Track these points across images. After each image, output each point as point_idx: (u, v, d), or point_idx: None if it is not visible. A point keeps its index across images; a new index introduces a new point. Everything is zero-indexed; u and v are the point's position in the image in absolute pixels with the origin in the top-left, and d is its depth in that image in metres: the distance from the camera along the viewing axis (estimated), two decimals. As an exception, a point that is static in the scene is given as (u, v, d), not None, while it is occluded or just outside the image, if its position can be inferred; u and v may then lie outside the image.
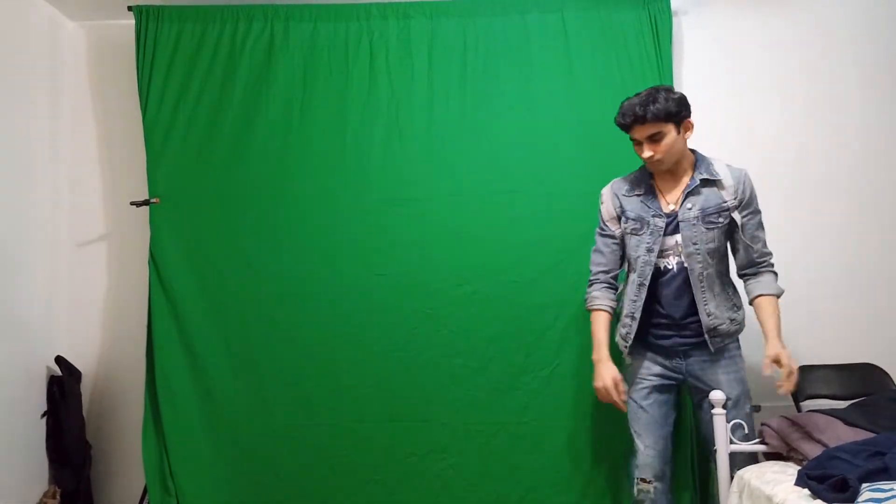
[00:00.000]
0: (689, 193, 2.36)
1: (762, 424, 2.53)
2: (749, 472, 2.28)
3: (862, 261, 3.13)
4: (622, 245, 2.49)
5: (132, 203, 3.03)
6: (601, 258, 2.52)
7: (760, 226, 2.41)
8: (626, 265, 2.54)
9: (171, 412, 2.94)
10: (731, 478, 2.33)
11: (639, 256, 2.41)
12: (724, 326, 2.37)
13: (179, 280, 2.99)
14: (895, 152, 3.17)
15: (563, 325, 2.94)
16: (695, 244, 2.33)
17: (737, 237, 2.39)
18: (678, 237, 2.35)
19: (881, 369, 2.84)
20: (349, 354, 2.97)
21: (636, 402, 2.47)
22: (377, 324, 2.97)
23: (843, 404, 2.63)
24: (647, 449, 2.43)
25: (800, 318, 3.08)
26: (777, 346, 2.28)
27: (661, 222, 2.37)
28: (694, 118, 3.19)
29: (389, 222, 3.01)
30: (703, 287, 2.34)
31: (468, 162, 3.03)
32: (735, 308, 2.42)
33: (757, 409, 2.94)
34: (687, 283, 2.36)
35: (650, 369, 2.47)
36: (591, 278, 2.53)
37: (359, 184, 3.03)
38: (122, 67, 3.17)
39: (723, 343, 2.39)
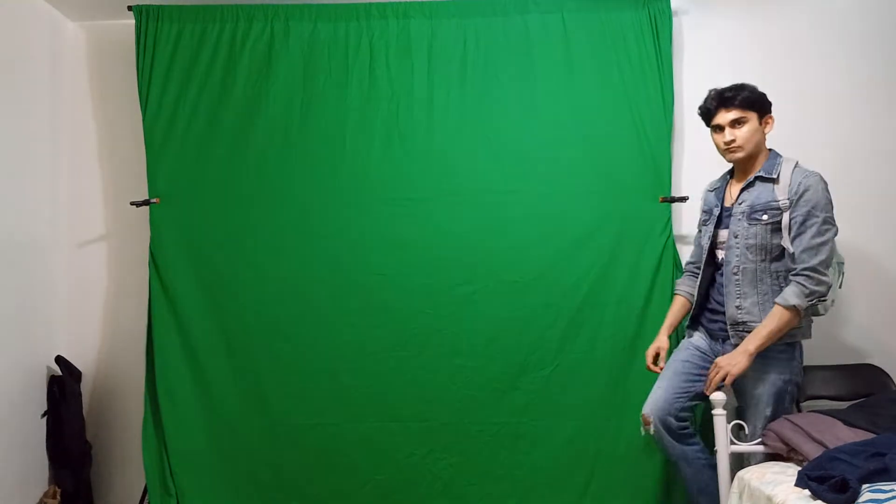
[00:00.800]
0: (744, 189, 2.41)
1: (762, 425, 2.53)
2: (749, 473, 2.28)
3: (861, 261, 3.12)
4: None
5: (132, 203, 3.03)
6: (693, 249, 2.73)
7: (809, 231, 2.27)
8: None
9: (171, 412, 2.94)
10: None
11: (702, 244, 2.55)
12: (757, 325, 2.33)
13: (179, 280, 2.99)
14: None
15: (563, 325, 2.94)
16: (735, 237, 2.38)
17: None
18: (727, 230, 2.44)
19: (881, 370, 2.85)
20: (349, 354, 2.98)
21: (674, 357, 2.57)
22: (377, 324, 2.97)
23: (843, 405, 2.63)
24: (657, 389, 2.48)
25: (800, 318, 3.09)
26: (735, 353, 2.30)
27: (717, 212, 2.49)
28: (693, 116, 3.20)
29: (389, 222, 3.01)
30: (737, 280, 2.37)
31: (468, 162, 3.03)
32: None
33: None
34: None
35: (698, 341, 2.55)
36: (684, 267, 2.77)
37: (359, 183, 3.03)
38: (122, 67, 3.17)
39: None
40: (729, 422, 2.37)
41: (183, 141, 3.05)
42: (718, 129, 2.43)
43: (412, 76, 3.06)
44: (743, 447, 2.38)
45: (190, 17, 3.08)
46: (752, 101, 2.37)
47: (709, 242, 2.50)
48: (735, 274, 2.38)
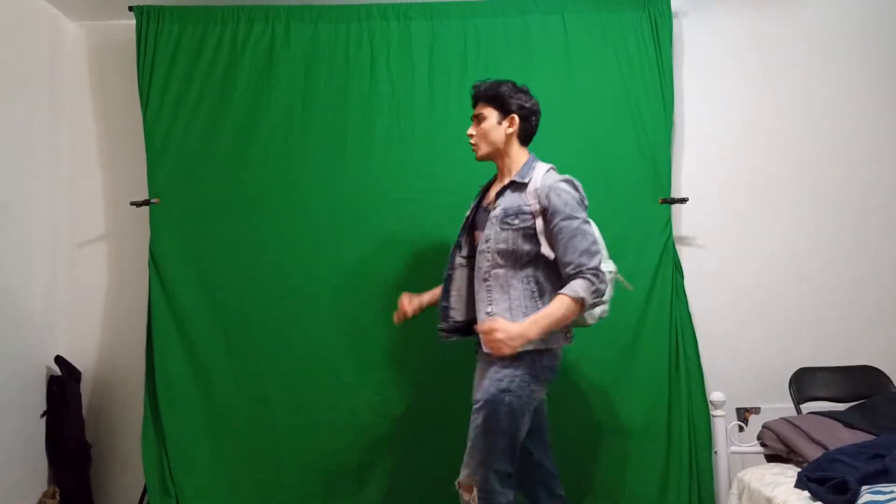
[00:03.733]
0: (499, 194, 2.29)
1: (763, 426, 2.54)
2: (749, 474, 2.28)
3: (861, 262, 3.13)
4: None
5: (132, 203, 3.04)
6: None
7: (578, 235, 2.13)
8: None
9: (171, 412, 2.93)
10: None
11: (460, 243, 2.40)
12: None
13: (179, 280, 2.99)
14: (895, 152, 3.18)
15: (562, 326, 2.94)
16: (486, 241, 2.23)
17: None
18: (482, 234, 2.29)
19: (880, 371, 2.85)
20: (349, 354, 2.98)
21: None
22: (377, 324, 2.97)
23: (842, 406, 2.64)
24: None
25: (800, 319, 3.10)
26: (519, 323, 2.08)
27: (470, 215, 2.38)
28: (693, 118, 3.22)
29: (390, 222, 3.01)
30: (488, 286, 2.21)
31: (468, 162, 3.02)
32: (525, 317, 2.14)
33: (756, 410, 2.96)
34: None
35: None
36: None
37: (359, 184, 3.03)
38: (122, 67, 3.18)
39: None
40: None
41: (183, 141, 3.05)
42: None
43: (413, 77, 3.06)
44: (744, 448, 2.38)
45: (191, 18, 3.09)
46: (490, 96, 2.29)
47: (459, 244, 2.37)
48: (486, 280, 2.21)
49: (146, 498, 2.93)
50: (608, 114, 3.03)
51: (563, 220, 2.14)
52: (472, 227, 2.38)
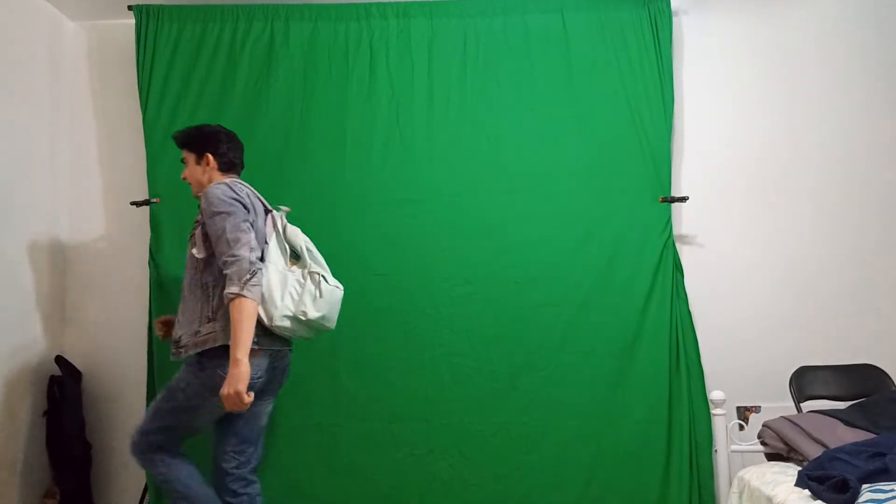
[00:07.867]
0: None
1: (763, 425, 2.54)
2: (749, 473, 2.28)
3: (861, 260, 3.13)
4: None
5: (132, 203, 3.04)
6: None
7: (217, 230, 2.20)
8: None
9: (171, 412, 2.93)
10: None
11: None
12: (185, 339, 2.25)
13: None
14: (895, 152, 3.17)
15: (563, 325, 2.95)
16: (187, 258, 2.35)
17: None
18: None
19: (881, 370, 2.85)
20: (349, 354, 2.97)
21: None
22: (377, 323, 2.97)
23: (843, 405, 2.64)
24: None
25: (800, 318, 3.10)
26: (230, 373, 2.10)
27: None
28: (693, 116, 3.22)
29: (389, 222, 3.01)
30: (183, 297, 2.32)
31: (468, 162, 3.03)
32: (205, 319, 2.23)
33: (757, 409, 2.96)
34: None
35: None
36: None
37: (359, 184, 3.03)
38: (122, 67, 3.18)
39: (189, 353, 2.25)
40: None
41: (183, 140, 3.05)
42: None
43: (412, 76, 3.06)
44: (744, 447, 2.38)
45: (190, 17, 3.09)
46: (184, 141, 2.41)
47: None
48: (182, 290, 2.33)
49: (146, 498, 2.93)
50: (608, 112, 3.03)
51: (209, 218, 2.23)
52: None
